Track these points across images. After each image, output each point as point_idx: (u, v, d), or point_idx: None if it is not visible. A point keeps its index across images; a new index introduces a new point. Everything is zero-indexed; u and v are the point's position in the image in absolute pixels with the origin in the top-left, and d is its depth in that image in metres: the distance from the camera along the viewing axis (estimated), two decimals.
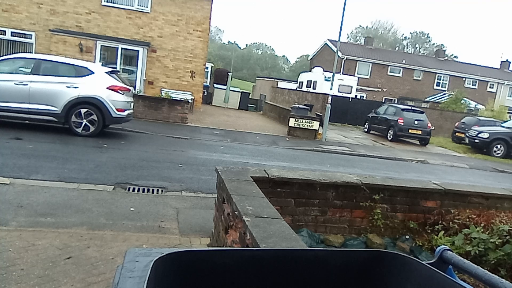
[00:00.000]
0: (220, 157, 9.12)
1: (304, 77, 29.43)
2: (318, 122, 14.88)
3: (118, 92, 9.37)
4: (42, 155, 7.12)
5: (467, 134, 17.64)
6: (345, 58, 33.23)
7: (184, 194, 5.99)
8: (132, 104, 10.35)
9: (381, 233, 4.47)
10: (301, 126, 14.70)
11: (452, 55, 59.96)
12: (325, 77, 24.40)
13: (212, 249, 1.97)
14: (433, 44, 67.36)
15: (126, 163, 7.37)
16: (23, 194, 4.91)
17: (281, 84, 32.27)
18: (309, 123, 14.73)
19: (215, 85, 26.68)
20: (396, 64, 35.28)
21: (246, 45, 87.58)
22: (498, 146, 16.42)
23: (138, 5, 17.24)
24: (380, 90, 34.76)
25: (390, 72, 35.09)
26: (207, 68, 23.89)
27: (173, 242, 4.11)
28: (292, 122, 14.69)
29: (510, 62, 40.88)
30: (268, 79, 36.87)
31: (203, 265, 0.98)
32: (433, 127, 19.11)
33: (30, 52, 15.51)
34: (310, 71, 32.69)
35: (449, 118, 23.96)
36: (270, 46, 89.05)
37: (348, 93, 25.42)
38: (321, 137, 14.69)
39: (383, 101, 30.30)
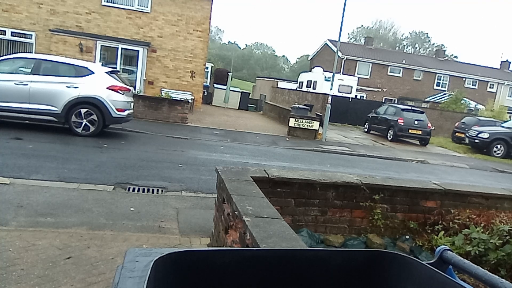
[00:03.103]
0: (220, 157, 9.12)
1: (304, 77, 29.42)
2: (318, 122, 14.87)
3: (118, 92, 9.37)
4: (42, 155, 7.12)
5: (467, 134, 17.63)
6: (345, 58, 33.24)
7: (184, 194, 5.99)
8: (132, 104, 10.36)
9: (381, 233, 4.47)
10: (301, 126, 14.70)
11: (452, 55, 59.99)
12: (325, 77, 24.39)
13: (212, 249, 1.97)
14: (433, 44, 67.41)
15: (126, 163, 7.37)
16: (23, 194, 4.91)
17: (281, 84, 32.25)
18: (309, 123, 14.73)
19: (215, 85, 26.66)
20: (396, 64, 35.28)
21: (246, 45, 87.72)
22: (498, 146, 16.42)
23: (138, 5, 17.24)
24: (380, 90, 34.76)
25: (390, 72, 35.10)
26: (207, 68, 23.88)
27: (173, 242, 4.10)
28: (292, 122, 14.69)
29: (510, 62, 40.89)
30: (268, 79, 36.84)
31: (203, 265, 0.98)
32: (433, 127, 19.11)
33: (30, 52, 15.50)
34: (310, 71, 32.67)
35: (449, 118, 23.95)
36: (270, 46, 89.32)
37: (348, 93, 25.41)
38: (321, 137, 14.69)
39: (383, 101, 30.30)
